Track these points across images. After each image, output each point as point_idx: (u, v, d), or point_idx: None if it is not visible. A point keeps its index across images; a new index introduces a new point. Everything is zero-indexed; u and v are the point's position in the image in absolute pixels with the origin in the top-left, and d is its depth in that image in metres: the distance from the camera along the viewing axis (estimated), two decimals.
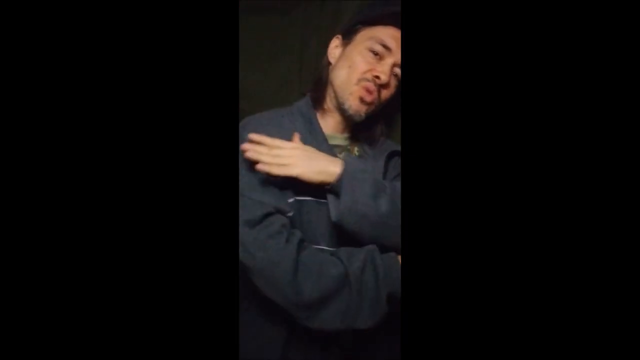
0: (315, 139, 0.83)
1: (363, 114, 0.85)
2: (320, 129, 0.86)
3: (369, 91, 0.83)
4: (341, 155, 0.85)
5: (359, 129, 0.92)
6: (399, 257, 0.74)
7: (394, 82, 0.85)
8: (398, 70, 0.84)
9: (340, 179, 0.74)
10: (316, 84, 0.90)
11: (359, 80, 0.82)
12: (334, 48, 0.90)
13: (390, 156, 0.88)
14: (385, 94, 0.85)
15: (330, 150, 0.83)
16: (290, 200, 0.76)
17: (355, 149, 0.91)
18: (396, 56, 0.82)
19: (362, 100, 0.83)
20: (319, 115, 0.89)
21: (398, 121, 1.05)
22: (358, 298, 0.70)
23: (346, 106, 0.84)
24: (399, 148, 0.90)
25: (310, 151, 0.77)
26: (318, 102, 0.89)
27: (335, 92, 0.86)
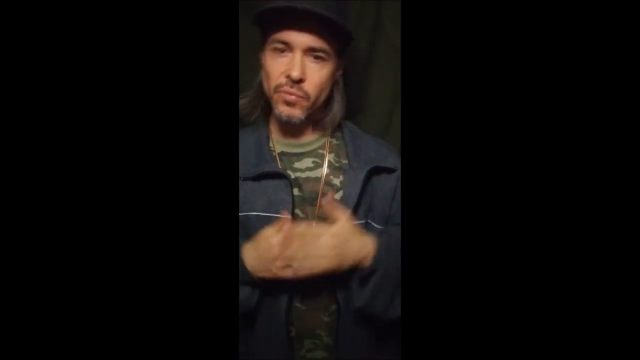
0: (265, 159, 0.81)
1: (299, 116, 0.79)
2: (269, 146, 0.84)
3: (289, 93, 0.77)
4: (310, 160, 0.84)
5: (321, 125, 0.86)
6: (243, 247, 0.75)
7: (315, 67, 0.78)
8: (316, 53, 0.77)
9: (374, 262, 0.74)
10: (253, 90, 0.86)
11: (276, 87, 0.78)
12: (260, 53, 0.84)
13: (373, 172, 0.83)
14: (310, 85, 0.78)
15: (272, 163, 0.81)
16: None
17: (332, 156, 0.86)
18: (301, 45, 0.76)
19: (287, 103, 0.78)
20: (272, 125, 0.86)
21: (357, 102, 1.02)
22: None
23: (278, 114, 0.79)
24: (380, 157, 0.85)
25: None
26: (255, 108, 0.86)
27: (267, 102, 0.83)
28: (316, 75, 0.78)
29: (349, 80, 1.08)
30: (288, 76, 0.76)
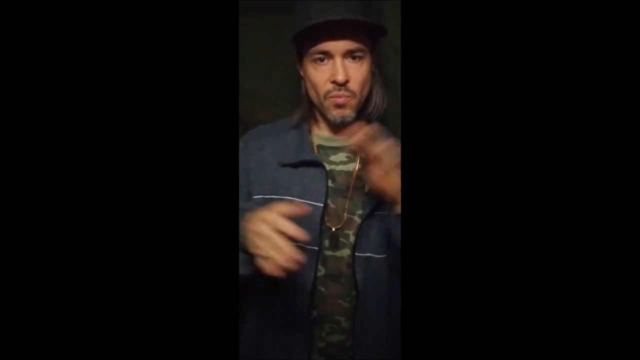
0: (304, 149, 0.88)
1: (351, 115, 0.86)
2: (309, 139, 0.90)
3: (338, 97, 0.84)
4: (345, 155, 0.89)
5: (366, 116, 0.92)
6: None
7: (355, 66, 0.84)
8: (354, 54, 0.83)
9: None
10: (302, 99, 0.93)
11: (325, 94, 0.84)
12: (299, 68, 0.91)
13: None
14: (354, 83, 0.84)
15: (310, 152, 0.88)
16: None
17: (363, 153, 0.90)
18: (339, 51, 0.82)
19: (338, 106, 0.85)
20: (314, 125, 0.93)
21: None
22: None
23: (332, 119, 0.86)
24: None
25: None
26: (309, 114, 0.93)
27: (318, 109, 0.90)
28: (358, 73, 0.84)
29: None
30: (334, 81, 0.82)
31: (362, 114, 0.91)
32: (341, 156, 0.90)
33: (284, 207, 0.70)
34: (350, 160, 0.90)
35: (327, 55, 0.83)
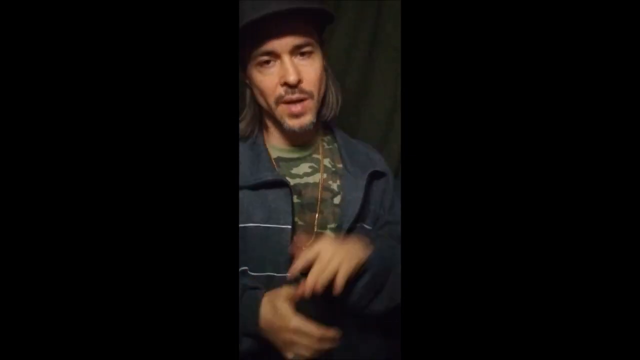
0: (262, 167, 0.78)
1: (311, 121, 0.77)
2: (266, 153, 0.79)
3: (293, 103, 0.75)
4: (307, 165, 0.81)
5: (321, 117, 0.82)
6: (262, 299, 0.70)
7: (307, 63, 0.75)
8: (302, 50, 0.74)
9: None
10: (246, 110, 0.82)
11: (277, 100, 0.75)
12: (241, 73, 0.81)
13: (373, 177, 0.82)
14: (308, 83, 0.75)
15: (272, 170, 0.77)
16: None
17: (327, 160, 0.84)
18: (285, 48, 0.73)
19: (295, 116, 0.75)
20: (266, 136, 0.82)
21: (357, 103, 1.03)
22: None
23: (287, 127, 0.76)
24: (372, 161, 0.85)
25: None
26: (256, 121, 0.82)
27: (270, 117, 0.80)
28: (311, 71, 0.75)
29: (349, 80, 1.08)
30: (285, 83, 0.73)
31: (319, 115, 0.81)
32: (304, 167, 0.81)
33: (289, 293, 0.67)
34: (315, 170, 0.81)
35: (273, 55, 0.73)
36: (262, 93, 0.76)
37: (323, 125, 0.84)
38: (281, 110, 0.75)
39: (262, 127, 0.82)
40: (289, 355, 0.68)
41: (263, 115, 0.81)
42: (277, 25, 0.71)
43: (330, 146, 0.86)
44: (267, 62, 0.73)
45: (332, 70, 0.83)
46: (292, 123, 0.75)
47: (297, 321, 0.67)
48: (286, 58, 0.73)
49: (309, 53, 0.75)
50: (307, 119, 0.76)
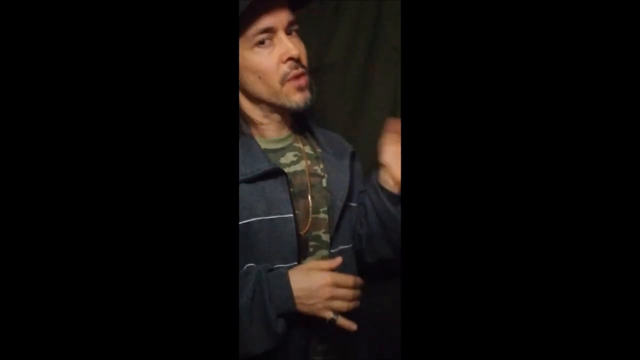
0: (257, 158, 0.77)
1: (310, 96, 0.78)
2: (257, 144, 0.79)
3: (298, 77, 0.75)
4: (292, 154, 0.82)
5: (294, 119, 0.86)
6: (288, 273, 0.73)
7: (297, 40, 0.78)
8: (292, 27, 0.77)
9: None
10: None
11: (282, 77, 0.75)
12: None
13: (353, 156, 0.88)
14: (303, 57, 0.77)
15: (267, 160, 0.77)
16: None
17: (307, 147, 0.85)
18: (281, 23, 0.74)
19: (300, 89, 0.76)
20: (254, 131, 0.82)
21: (356, 103, 1.05)
22: (249, 327, 0.70)
23: (294, 106, 0.77)
24: (344, 144, 0.90)
25: None
26: (246, 119, 0.82)
27: (269, 103, 0.79)
28: (301, 47, 0.78)
29: (349, 80, 1.08)
30: (290, 58, 0.74)
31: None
32: (289, 156, 0.82)
33: (325, 266, 0.73)
34: (299, 158, 0.83)
35: (270, 32, 0.74)
36: (264, 75, 0.75)
37: (294, 116, 0.86)
38: (287, 89, 0.76)
39: (250, 121, 0.82)
40: (328, 315, 0.72)
41: (253, 108, 0.81)
42: (271, 3, 0.73)
43: (306, 133, 0.88)
44: (262, 42, 0.74)
45: (330, 66, 0.89)
46: (298, 98, 0.76)
47: (332, 275, 0.72)
48: (282, 34, 0.74)
49: (295, 31, 0.78)
50: (307, 94, 0.78)
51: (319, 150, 0.86)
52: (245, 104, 0.81)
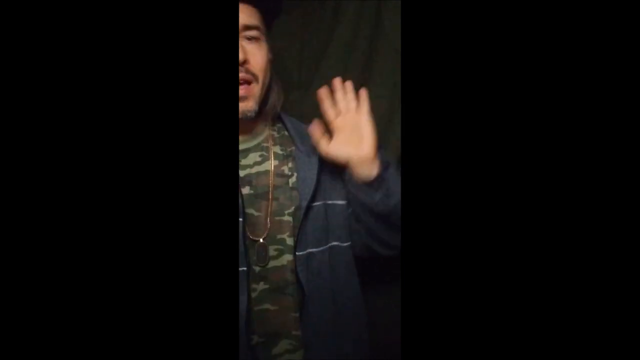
0: None
1: (253, 108, 0.76)
2: None
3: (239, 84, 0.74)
4: (257, 155, 0.81)
5: (263, 116, 0.84)
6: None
7: (253, 47, 0.75)
8: (250, 33, 0.75)
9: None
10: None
11: None
12: None
13: (322, 171, 0.83)
14: (255, 65, 0.75)
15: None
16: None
17: (277, 147, 0.83)
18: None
19: (239, 99, 0.75)
20: None
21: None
22: None
23: None
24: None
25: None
26: None
27: None
28: (257, 55, 0.76)
29: (349, 80, 1.08)
30: None
31: (261, 114, 0.81)
32: (254, 157, 0.81)
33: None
34: (265, 158, 0.81)
35: None
36: None
37: (272, 117, 0.84)
38: None
39: None
40: None
41: None
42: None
43: (280, 134, 0.85)
44: None
45: (276, 73, 0.83)
46: (240, 105, 0.74)
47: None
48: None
49: (256, 39, 0.76)
50: (250, 104, 0.76)
51: (290, 148, 0.84)
52: None
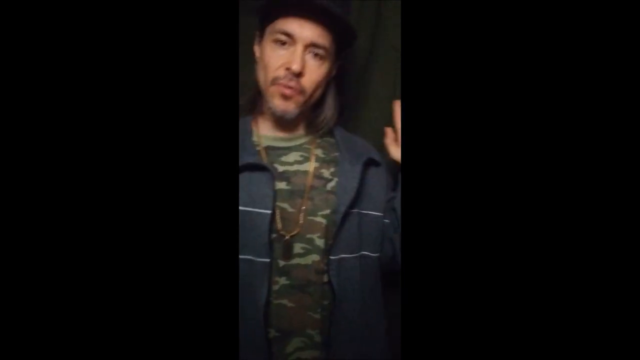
0: (246, 151, 0.80)
1: (293, 111, 0.80)
2: (251, 138, 0.83)
3: (287, 87, 0.78)
4: (298, 154, 0.84)
5: (314, 126, 0.87)
6: None
7: (314, 64, 0.79)
8: (316, 50, 0.78)
9: None
10: (246, 87, 0.85)
11: (274, 78, 0.78)
12: (255, 46, 0.85)
13: (368, 164, 0.86)
14: (308, 81, 0.79)
15: (254, 155, 0.80)
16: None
17: (319, 150, 0.86)
18: (304, 40, 0.77)
19: (284, 97, 0.78)
20: (260, 119, 0.86)
21: (356, 102, 1.05)
22: None
23: (272, 107, 0.80)
24: (368, 151, 0.89)
25: None
26: (254, 105, 0.86)
27: (262, 93, 0.83)
28: (314, 72, 0.79)
29: (349, 80, 1.08)
30: (288, 69, 0.77)
31: (308, 120, 0.86)
32: (294, 156, 0.84)
33: None
34: (305, 159, 0.84)
35: (290, 39, 0.77)
36: (265, 67, 0.79)
37: (322, 130, 0.87)
38: (272, 90, 0.79)
39: (258, 108, 0.86)
40: None
41: (259, 98, 0.85)
42: (306, 13, 0.76)
43: (324, 139, 0.88)
44: (283, 42, 0.78)
45: (338, 85, 0.88)
46: (278, 103, 0.79)
47: None
48: (300, 48, 0.77)
49: (321, 57, 0.79)
50: (291, 107, 0.79)
51: (335, 154, 0.86)
52: (260, 88, 0.83)
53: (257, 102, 0.86)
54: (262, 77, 0.80)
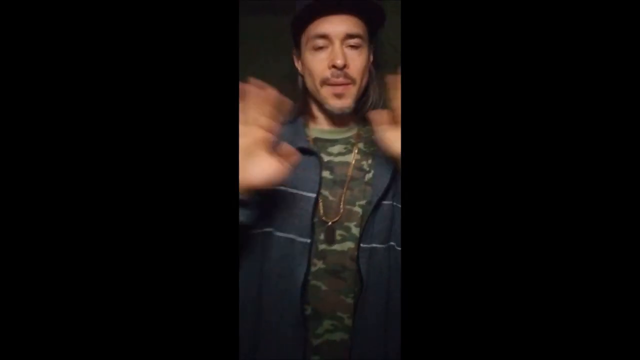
0: (298, 139, 0.86)
1: (350, 105, 0.86)
2: (304, 130, 0.89)
3: (337, 84, 0.83)
4: (343, 147, 0.89)
5: (362, 114, 0.92)
6: None
7: (354, 53, 0.84)
8: (352, 41, 0.83)
9: None
10: (299, 95, 0.92)
11: (322, 82, 0.84)
12: (297, 62, 0.92)
13: (396, 173, 0.87)
14: (354, 70, 0.84)
15: (305, 140, 0.86)
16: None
17: (361, 144, 0.91)
18: (338, 34, 0.82)
19: (337, 96, 0.85)
20: (310, 120, 0.93)
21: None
22: None
23: (328, 108, 0.86)
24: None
25: None
26: (304, 109, 0.92)
27: (315, 101, 0.90)
28: (357, 60, 0.84)
29: None
30: (333, 66, 0.82)
31: (359, 110, 0.91)
32: (339, 148, 0.90)
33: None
34: (348, 151, 0.90)
35: (326, 39, 0.82)
36: (311, 74, 0.85)
37: (362, 117, 0.92)
38: (325, 92, 0.85)
39: (307, 112, 0.93)
40: None
41: (310, 102, 0.91)
42: (335, 10, 0.81)
43: (368, 134, 0.92)
44: (320, 47, 0.83)
45: (379, 78, 0.90)
46: (334, 103, 0.85)
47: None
48: (337, 44, 0.82)
49: (357, 46, 0.84)
50: (347, 102, 0.85)
51: (374, 148, 0.90)
52: (308, 96, 0.90)
53: (307, 108, 0.92)
54: (311, 84, 0.86)
